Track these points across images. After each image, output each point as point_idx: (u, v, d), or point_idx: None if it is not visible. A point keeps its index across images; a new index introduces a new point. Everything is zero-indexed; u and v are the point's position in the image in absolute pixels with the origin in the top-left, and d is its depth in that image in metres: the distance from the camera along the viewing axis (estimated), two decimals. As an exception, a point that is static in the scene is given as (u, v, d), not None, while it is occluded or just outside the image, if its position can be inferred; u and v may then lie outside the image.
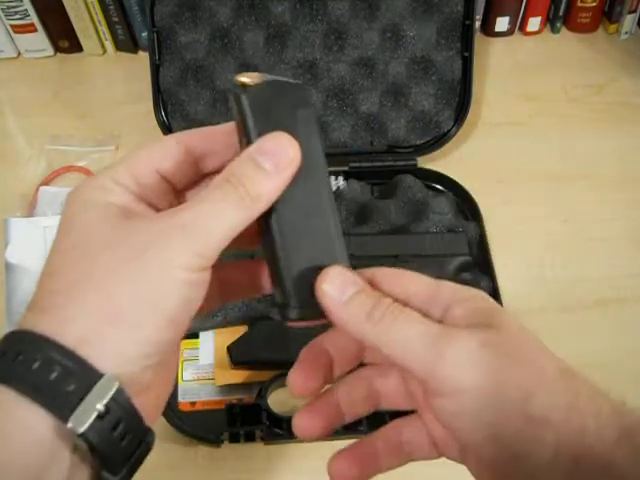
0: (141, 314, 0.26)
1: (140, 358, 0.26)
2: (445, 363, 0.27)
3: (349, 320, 0.29)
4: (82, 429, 0.24)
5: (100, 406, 0.25)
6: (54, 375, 0.24)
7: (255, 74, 0.31)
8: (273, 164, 0.28)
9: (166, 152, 0.31)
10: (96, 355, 0.25)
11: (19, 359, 0.25)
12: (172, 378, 0.31)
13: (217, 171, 0.30)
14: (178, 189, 0.32)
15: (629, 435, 0.27)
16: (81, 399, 0.24)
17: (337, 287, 0.29)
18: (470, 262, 0.63)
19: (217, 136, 0.32)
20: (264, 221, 0.30)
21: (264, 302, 0.63)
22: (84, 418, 0.24)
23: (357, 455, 0.34)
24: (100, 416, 0.25)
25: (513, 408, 0.27)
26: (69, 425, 0.24)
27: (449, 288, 0.30)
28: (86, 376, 0.25)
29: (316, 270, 0.30)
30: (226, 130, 0.31)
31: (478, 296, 0.30)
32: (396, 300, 0.29)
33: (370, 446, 0.33)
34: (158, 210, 0.30)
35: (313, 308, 0.30)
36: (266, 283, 0.33)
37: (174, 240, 0.27)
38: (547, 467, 0.27)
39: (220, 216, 0.27)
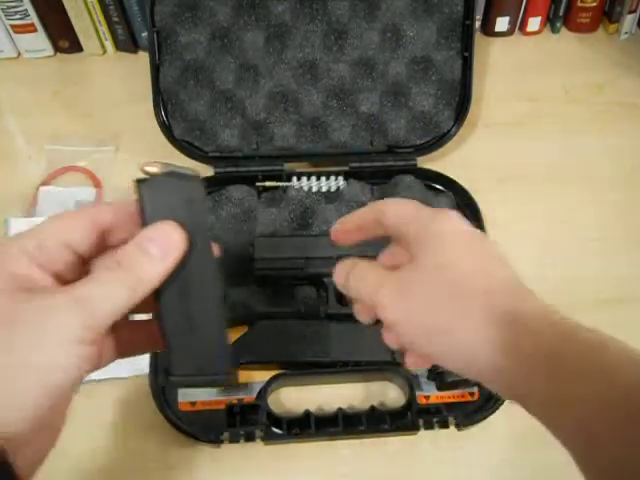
0: (24, 383, 0.28)
1: (18, 421, 0.28)
2: (379, 307, 0.37)
3: (340, 286, 0.42)
4: None
5: None
6: None
7: (158, 164, 0.35)
8: (159, 250, 0.32)
9: (75, 225, 0.33)
10: None
11: None
12: (54, 437, 0.33)
13: (122, 242, 0.33)
14: (85, 258, 0.34)
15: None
16: None
17: (339, 270, 0.42)
18: None
19: (125, 213, 0.35)
20: (155, 297, 0.34)
21: (264, 303, 0.63)
22: None
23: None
24: None
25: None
26: None
27: (420, 214, 0.38)
28: None
29: (195, 347, 0.36)
30: (133, 208, 0.34)
31: (426, 222, 0.37)
32: (393, 225, 0.39)
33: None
34: (63, 278, 0.33)
35: (189, 381, 0.37)
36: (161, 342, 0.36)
37: (64, 313, 0.29)
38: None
39: (109, 295, 0.31)
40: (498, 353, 0.33)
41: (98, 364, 0.33)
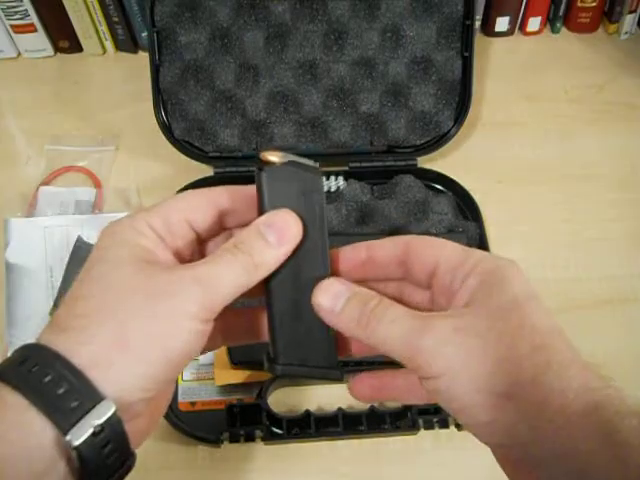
0: (148, 351, 0.29)
1: (138, 390, 0.29)
2: (422, 354, 0.30)
3: (344, 327, 0.33)
4: (77, 442, 0.27)
5: (96, 425, 0.27)
6: (61, 390, 0.27)
7: (279, 153, 0.34)
8: (277, 237, 0.32)
9: (197, 205, 0.34)
10: (101, 379, 0.28)
11: (34, 370, 0.28)
12: (162, 410, 0.35)
13: (237, 227, 0.35)
14: (202, 238, 0.35)
15: (596, 409, 0.27)
16: (81, 416, 0.27)
17: (330, 299, 0.33)
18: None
19: (242, 197, 0.35)
20: (266, 283, 0.34)
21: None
22: (81, 433, 0.27)
23: (377, 382, 0.37)
24: (94, 434, 0.27)
25: (480, 386, 0.29)
26: (67, 437, 0.27)
27: (475, 257, 0.32)
28: (89, 396, 0.28)
29: (303, 337, 0.35)
30: (250, 193, 0.34)
31: (492, 268, 0.32)
32: (424, 267, 0.34)
33: (392, 378, 0.37)
34: (181, 255, 0.34)
35: (297, 370, 0.36)
36: (265, 331, 0.36)
37: (186, 290, 0.30)
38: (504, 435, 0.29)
39: (227, 277, 0.31)
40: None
41: (207, 346, 0.33)
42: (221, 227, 0.36)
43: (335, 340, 0.36)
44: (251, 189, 0.34)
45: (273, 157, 0.34)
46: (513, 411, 0.29)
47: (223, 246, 0.32)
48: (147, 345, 0.29)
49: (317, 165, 0.36)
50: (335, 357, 0.36)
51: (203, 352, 0.34)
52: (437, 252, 0.34)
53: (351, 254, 0.36)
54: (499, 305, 0.30)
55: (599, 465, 0.27)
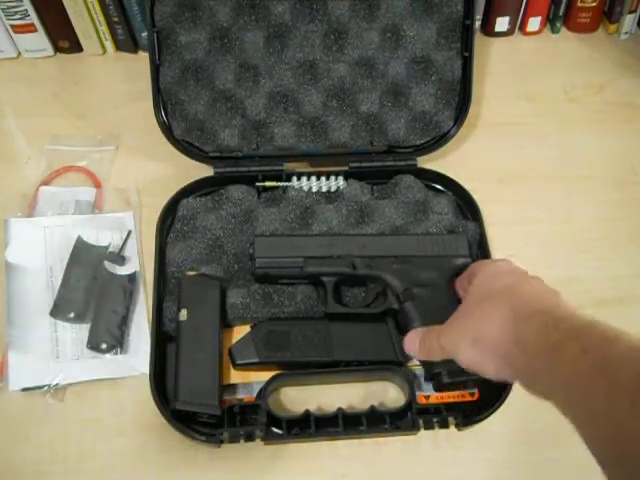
0: None
1: None
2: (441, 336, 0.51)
3: (423, 357, 0.55)
4: None
5: None
6: None
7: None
8: None
9: None
10: None
11: None
12: None
13: None
14: None
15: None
16: None
17: (410, 345, 0.56)
18: (470, 263, 0.63)
19: None
20: (176, 346, 0.60)
21: (264, 304, 0.63)
22: None
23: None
24: None
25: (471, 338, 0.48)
26: None
27: (481, 263, 0.58)
28: None
29: (196, 383, 0.58)
30: None
31: (470, 269, 0.58)
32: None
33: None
34: None
35: (189, 406, 0.57)
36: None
37: None
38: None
39: None
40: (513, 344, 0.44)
41: None
42: None
43: (221, 386, 0.58)
44: None
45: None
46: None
47: None
48: None
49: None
50: (219, 398, 0.57)
51: None
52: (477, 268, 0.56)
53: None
54: (472, 286, 0.52)
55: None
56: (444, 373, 0.55)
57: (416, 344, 0.54)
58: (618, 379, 0.34)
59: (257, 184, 0.72)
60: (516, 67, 0.86)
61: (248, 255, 0.65)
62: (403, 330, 0.59)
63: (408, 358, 0.61)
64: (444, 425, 0.57)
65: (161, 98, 0.70)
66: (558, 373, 0.39)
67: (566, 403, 0.38)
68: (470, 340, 0.47)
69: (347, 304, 0.64)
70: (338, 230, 0.69)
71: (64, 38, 0.84)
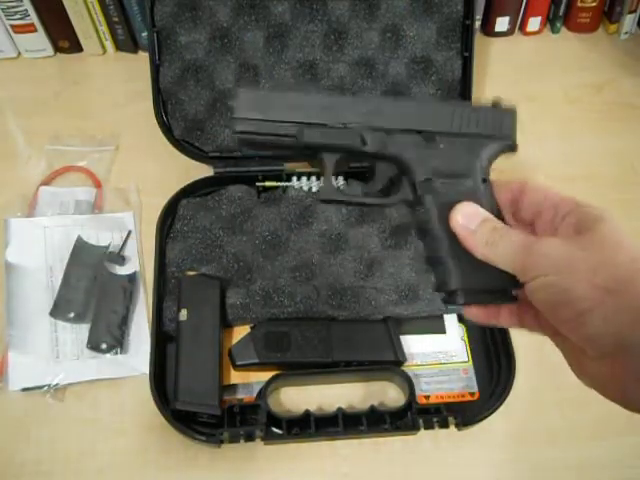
0: None
1: None
2: (532, 256, 0.37)
3: (475, 245, 0.40)
4: None
5: None
6: None
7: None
8: None
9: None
10: None
11: None
12: None
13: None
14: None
15: None
16: None
17: (465, 218, 0.41)
18: (512, 147, 0.50)
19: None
20: (176, 349, 0.60)
21: (264, 304, 0.63)
22: None
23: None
24: None
25: (582, 278, 0.35)
26: None
27: (573, 200, 0.40)
28: None
29: (197, 383, 0.58)
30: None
31: (592, 213, 0.40)
32: (532, 205, 0.42)
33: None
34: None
35: (190, 407, 0.57)
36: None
37: None
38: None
39: None
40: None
41: None
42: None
43: (221, 387, 0.58)
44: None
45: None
46: (612, 303, 0.34)
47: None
48: None
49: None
50: (219, 398, 0.57)
51: None
52: (545, 190, 0.41)
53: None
54: (599, 236, 0.38)
55: None
56: (460, 293, 0.42)
57: (475, 221, 0.40)
58: None
59: (257, 184, 0.72)
60: (516, 67, 0.86)
61: (248, 255, 0.65)
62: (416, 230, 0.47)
63: (407, 358, 0.61)
64: (444, 425, 0.57)
65: (161, 98, 0.70)
66: None
67: None
68: (602, 283, 0.35)
69: (345, 191, 0.55)
70: (338, 230, 0.68)
71: (64, 38, 0.84)
